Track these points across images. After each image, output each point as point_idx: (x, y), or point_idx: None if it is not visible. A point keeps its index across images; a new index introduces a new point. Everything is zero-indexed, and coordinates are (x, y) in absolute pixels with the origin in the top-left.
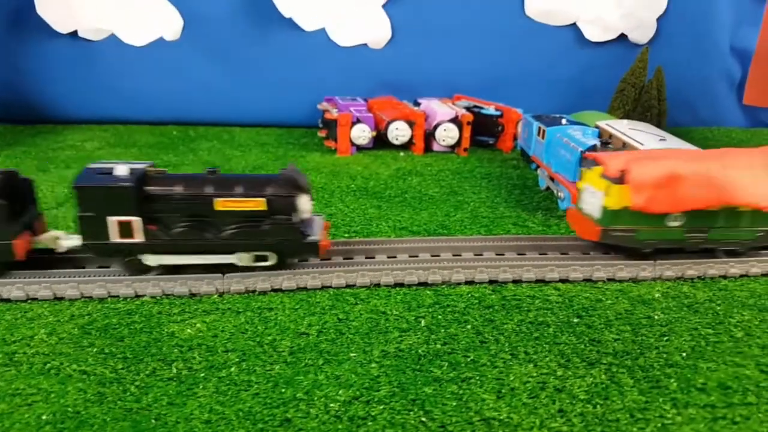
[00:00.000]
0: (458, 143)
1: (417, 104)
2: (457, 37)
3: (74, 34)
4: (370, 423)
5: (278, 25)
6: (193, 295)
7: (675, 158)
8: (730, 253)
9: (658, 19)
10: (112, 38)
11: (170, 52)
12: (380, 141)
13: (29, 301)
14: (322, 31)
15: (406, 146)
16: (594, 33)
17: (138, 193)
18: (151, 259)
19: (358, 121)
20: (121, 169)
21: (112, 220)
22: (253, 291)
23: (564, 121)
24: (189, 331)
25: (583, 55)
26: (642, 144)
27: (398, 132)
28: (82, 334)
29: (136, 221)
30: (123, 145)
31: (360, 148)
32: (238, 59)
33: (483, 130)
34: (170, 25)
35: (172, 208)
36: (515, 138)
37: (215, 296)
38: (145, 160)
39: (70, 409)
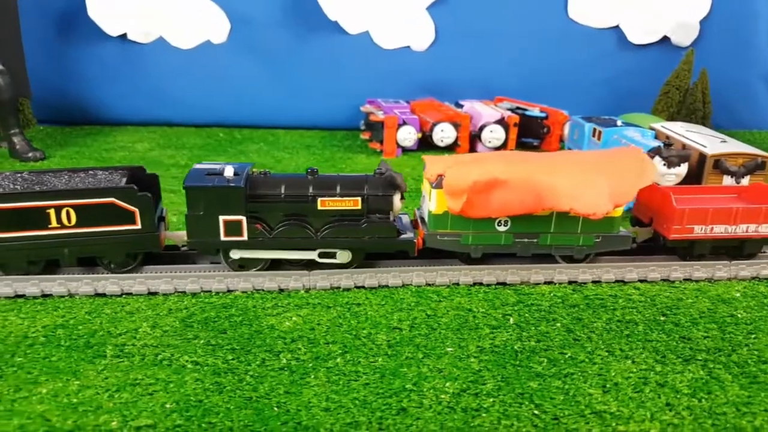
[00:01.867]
0: (504, 145)
1: (459, 106)
2: (500, 38)
3: (123, 36)
4: (484, 414)
5: (323, 28)
6: (281, 290)
7: (497, 162)
8: (568, 259)
9: (701, 22)
10: (160, 41)
11: (216, 54)
12: (424, 143)
13: (124, 295)
14: (366, 34)
15: (451, 148)
16: (637, 35)
17: (246, 194)
18: (245, 253)
19: (404, 123)
20: (229, 171)
21: (221, 219)
22: (338, 287)
23: (619, 122)
24: (287, 323)
25: (623, 58)
26: (705, 146)
27: (443, 134)
28: (184, 327)
29: (243, 220)
30: (173, 147)
31: (405, 150)
32: (283, 62)
33: (528, 131)
34: (218, 28)
35: (275, 207)
36: (561, 139)
37: (302, 292)
38: (198, 161)
39: (191, 398)
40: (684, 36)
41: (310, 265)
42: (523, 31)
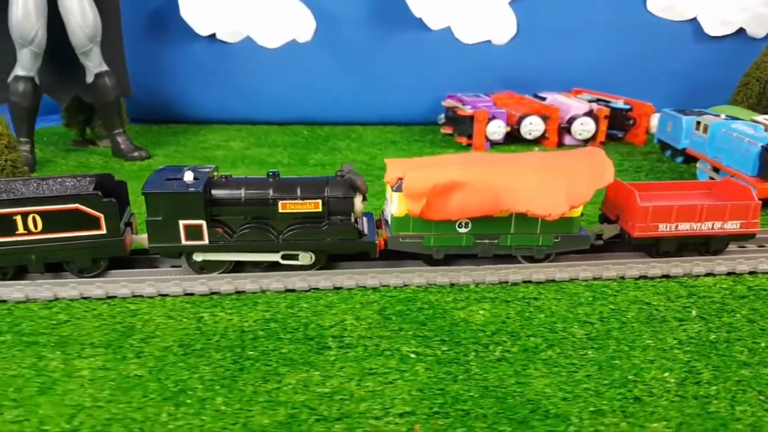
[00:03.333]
0: (593, 137)
1: (540, 99)
2: (579, 31)
3: (213, 36)
4: (715, 401)
5: (406, 25)
6: (452, 284)
7: (456, 165)
8: (530, 259)
9: None
10: (248, 41)
11: (301, 53)
12: (509, 136)
13: (312, 290)
14: (448, 29)
15: (537, 141)
16: (714, 27)
17: (205, 198)
18: (207, 255)
19: (494, 117)
20: (189, 175)
21: (182, 224)
22: (506, 282)
23: (722, 116)
24: (478, 317)
25: (699, 50)
26: None
27: (532, 126)
28: (384, 319)
29: (203, 224)
30: (267, 145)
31: (493, 144)
32: (364, 58)
33: (612, 123)
34: (304, 27)
35: (236, 211)
36: (647, 132)
37: (472, 286)
38: (297, 159)
39: (431, 386)
40: (759, 27)
41: (273, 267)
42: (601, 24)
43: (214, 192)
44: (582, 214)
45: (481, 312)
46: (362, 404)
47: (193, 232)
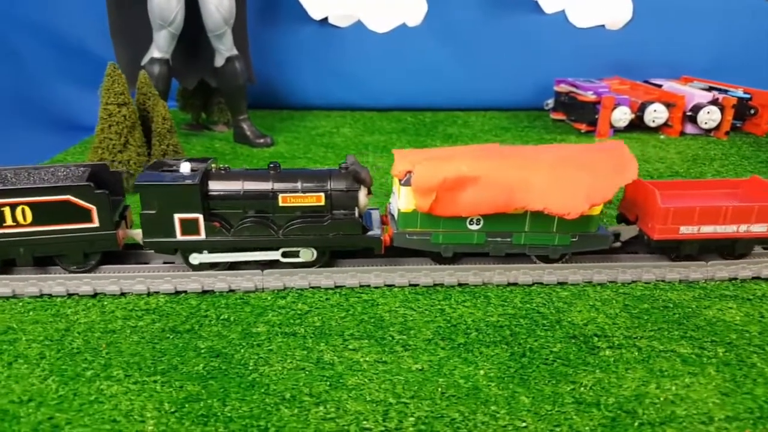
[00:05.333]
0: (718, 127)
1: (655, 86)
2: (692, 16)
3: (324, 20)
4: None
5: (521, 8)
6: (680, 281)
7: (468, 158)
8: (544, 259)
9: None
10: (358, 25)
11: (409, 38)
12: (630, 124)
13: (535, 284)
14: (562, 13)
15: (658, 129)
16: None
17: (201, 191)
18: (204, 257)
19: (619, 103)
20: (185, 167)
21: (177, 218)
22: (735, 278)
23: None
24: (730, 315)
25: None
26: None
27: (656, 114)
28: (634, 318)
29: (199, 218)
30: (378, 132)
31: (617, 131)
32: (472, 43)
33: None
34: (415, 11)
35: (235, 204)
36: None
37: (702, 282)
38: (411, 147)
39: (734, 389)
40: None
41: (271, 264)
42: (716, 8)
43: (211, 184)
44: (602, 212)
45: (733, 311)
46: (675, 408)
47: (189, 227)
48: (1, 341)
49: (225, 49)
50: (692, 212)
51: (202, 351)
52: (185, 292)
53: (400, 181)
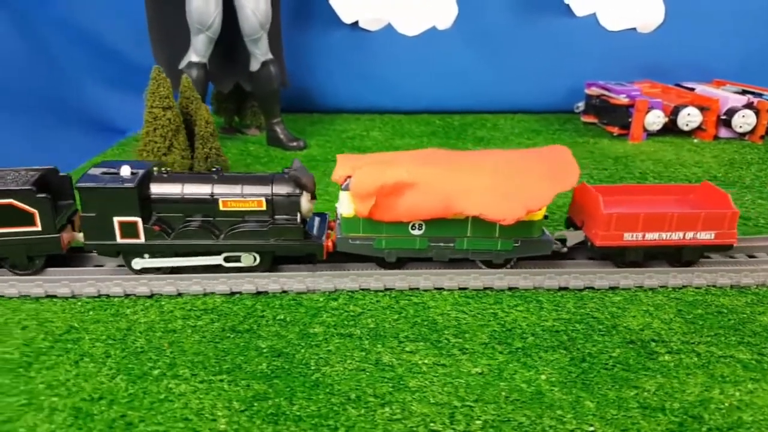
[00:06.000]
0: (752, 131)
1: (688, 89)
2: (723, 20)
3: (355, 24)
4: None
5: (552, 11)
6: (732, 286)
7: (409, 164)
8: (489, 264)
9: None
10: (388, 29)
11: (439, 41)
12: (663, 127)
13: (587, 289)
14: (593, 16)
15: (691, 132)
16: None
17: (140, 194)
18: (146, 262)
19: (652, 107)
20: (125, 170)
21: (116, 221)
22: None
23: None
24: None
25: None
26: None
27: (689, 118)
28: (689, 323)
29: (138, 222)
30: (408, 135)
31: (650, 134)
32: (502, 46)
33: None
34: (445, 15)
35: (175, 208)
36: None
37: (754, 288)
38: (446, 148)
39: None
40: None
41: (212, 268)
42: (748, 12)
43: (152, 187)
44: (546, 217)
45: None
46: (741, 414)
47: (129, 230)
48: (66, 340)
49: (260, 53)
50: (636, 219)
51: (264, 351)
52: (240, 293)
53: (340, 186)
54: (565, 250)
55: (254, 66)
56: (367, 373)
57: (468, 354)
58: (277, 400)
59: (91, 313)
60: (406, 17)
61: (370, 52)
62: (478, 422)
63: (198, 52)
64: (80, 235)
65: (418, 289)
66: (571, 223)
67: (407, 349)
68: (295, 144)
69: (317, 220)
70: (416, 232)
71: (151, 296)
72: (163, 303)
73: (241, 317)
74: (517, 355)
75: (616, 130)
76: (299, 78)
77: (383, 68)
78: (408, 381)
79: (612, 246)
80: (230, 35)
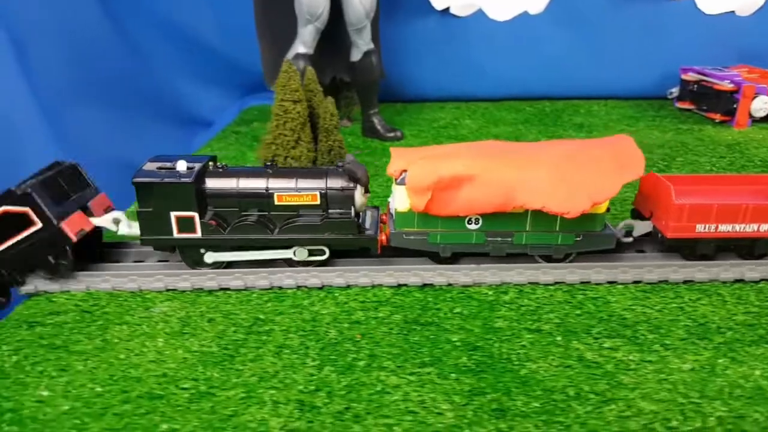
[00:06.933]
0: None
1: None
2: None
3: (446, 11)
4: None
5: None
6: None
7: (466, 156)
8: (548, 258)
9: None
10: (479, 14)
11: (531, 26)
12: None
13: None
14: None
15: None
16: None
17: (197, 189)
18: (207, 257)
19: (758, 93)
20: (182, 165)
21: (173, 216)
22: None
23: None
24: None
25: None
26: None
27: None
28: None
29: (195, 216)
30: (502, 123)
31: (755, 121)
32: (595, 31)
33: None
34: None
35: (230, 203)
36: None
37: None
38: (542, 137)
39: None
40: None
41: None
42: None
43: (208, 182)
44: (608, 209)
45: None
46: None
47: (185, 225)
48: (257, 332)
49: (363, 43)
50: (709, 210)
51: (457, 344)
52: (406, 285)
53: (395, 180)
54: (630, 240)
55: (356, 56)
56: (575, 370)
57: (671, 350)
58: (494, 395)
59: (269, 305)
60: (497, 2)
61: (460, 38)
62: (712, 419)
63: (306, 43)
64: (98, 220)
65: (589, 282)
66: (636, 215)
67: (606, 345)
68: (392, 134)
69: (369, 213)
70: (473, 227)
71: (321, 288)
72: (336, 294)
73: (418, 310)
74: (722, 350)
75: (718, 117)
76: (387, 67)
77: (473, 54)
78: (621, 378)
79: (684, 238)
80: (331, 26)
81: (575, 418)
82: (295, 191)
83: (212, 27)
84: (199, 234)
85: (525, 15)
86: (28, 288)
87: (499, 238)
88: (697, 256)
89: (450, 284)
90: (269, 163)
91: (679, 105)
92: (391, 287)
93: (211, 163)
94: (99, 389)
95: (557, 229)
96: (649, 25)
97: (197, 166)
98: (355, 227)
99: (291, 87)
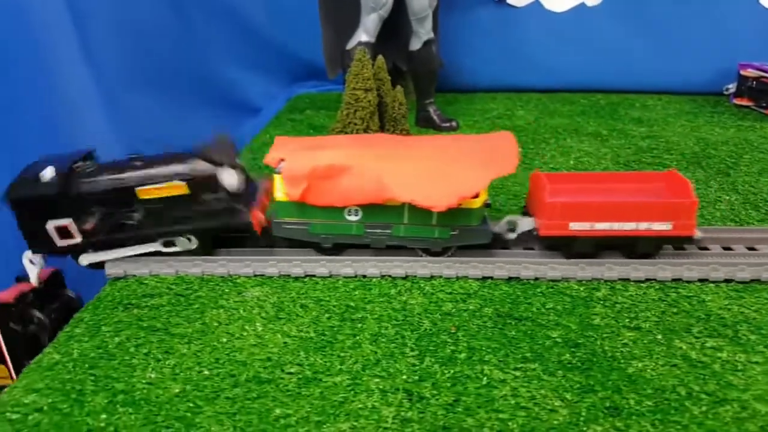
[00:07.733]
0: None
1: None
2: None
3: (502, 1)
4: None
5: None
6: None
7: (344, 148)
8: (428, 252)
9: None
10: (535, 5)
11: (587, 17)
12: None
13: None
14: None
15: None
16: None
17: (61, 196)
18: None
19: None
20: (49, 172)
21: (51, 225)
22: None
23: None
24: None
25: None
26: None
27: None
28: None
29: (69, 223)
30: (558, 115)
31: None
32: (652, 23)
33: None
34: None
35: (98, 203)
36: None
37: None
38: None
39: None
40: None
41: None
42: None
43: (73, 185)
44: (488, 205)
45: None
46: None
47: (64, 233)
48: (350, 319)
49: (424, 32)
50: (585, 207)
51: (557, 340)
52: (491, 277)
53: (273, 169)
54: (514, 236)
55: (415, 45)
56: (681, 370)
57: None
58: (605, 393)
59: (356, 292)
60: None
61: (515, 28)
62: None
63: (368, 31)
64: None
65: (680, 279)
66: (526, 212)
67: (708, 345)
68: (447, 125)
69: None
70: (352, 218)
71: (405, 277)
72: (422, 285)
73: (508, 303)
74: None
75: None
76: (443, 56)
77: (526, 45)
78: (730, 379)
79: (557, 236)
80: (392, 14)
81: (691, 419)
82: (156, 183)
83: (263, 13)
84: (78, 239)
85: (582, 6)
86: (115, 271)
87: (378, 230)
88: (576, 254)
89: (537, 278)
90: (133, 154)
91: (736, 101)
92: (477, 279)
93: (80, 162)
94: (206, 372)
95: (434, 222)
96: (707, 18)
97: (63, 169)
98: (229, 210)
99: (364, 75)
